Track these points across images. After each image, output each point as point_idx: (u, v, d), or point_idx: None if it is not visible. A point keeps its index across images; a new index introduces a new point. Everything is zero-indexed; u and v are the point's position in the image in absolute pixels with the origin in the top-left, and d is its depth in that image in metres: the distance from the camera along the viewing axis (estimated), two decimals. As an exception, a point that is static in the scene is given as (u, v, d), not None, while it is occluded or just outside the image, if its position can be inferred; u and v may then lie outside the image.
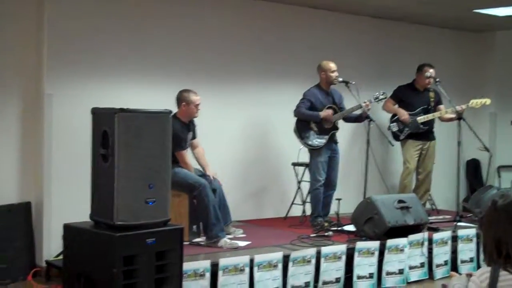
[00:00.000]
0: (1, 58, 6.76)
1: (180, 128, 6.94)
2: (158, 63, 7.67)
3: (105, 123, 5.20)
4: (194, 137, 7.28)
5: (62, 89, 6.92)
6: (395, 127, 8.91)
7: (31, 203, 6.85)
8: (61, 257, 5.91)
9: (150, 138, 5.25)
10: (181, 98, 7.04)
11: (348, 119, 8.14)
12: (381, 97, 8.10)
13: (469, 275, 3.25)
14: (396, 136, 8.94)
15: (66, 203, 6.74)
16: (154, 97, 7.34)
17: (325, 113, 7.87)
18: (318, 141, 7.88)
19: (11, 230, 6.60)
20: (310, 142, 7.90)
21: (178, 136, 6.84)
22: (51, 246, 6.72)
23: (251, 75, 8.51)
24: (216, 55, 8.18)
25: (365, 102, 7.84)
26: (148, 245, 5.18)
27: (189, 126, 7.15)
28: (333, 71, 7.91)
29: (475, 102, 8.62)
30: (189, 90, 7.06)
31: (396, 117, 8.92)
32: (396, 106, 8.99)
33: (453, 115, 8.63)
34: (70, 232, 5.48)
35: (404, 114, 8.81)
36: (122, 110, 5.14)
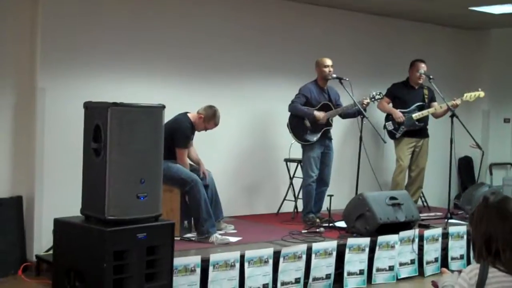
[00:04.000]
0: (-6, 51, 6.74)
1: (190, 127, 7.02)
2: (153, 58, 7.64)
3: (97, 117, 5.21)
4: None
5: (55, 84, 6.90)
6: (390, 126, 8.90)
7: (22, 197, 6.83)
8: (51, 251, 5.89)
9: (142, 132, 5.26)
10: (206, 112, 7.04)
11: (345, 115, 8.16)
12: (377, 96, 8.11)
13: (460, 272, 3.26)
14: (392, 135, 8.94)
15: (58, 197, 6.72)
16: (149, 92, 7.31)
17: (319, 113, 7.87)
18: (310, 136, 7.89)
19: (2, 225, 6.57)
20: (302, 137, 7.91)
21: (186, 135, 6.98)
22: (42, 241, 6.71)
23: (245, 71, 8.50)
24: (212, 51, 8.16)
25: (366, 100, 7.90)
26: (139, 240, 5.19)
27: (194, 130, 7.18)
28: (326, 66, 7.92)
29: (469, 96, 8.62)
30: (217, 115, 7.07)
31: (392, 115, 8.92)
32: (391, 105, 8.98)
33: (446, 108, 8.61)
34: (61, 226, 5.48)
35: (399, 116, 8.79)
36: (114, 104, 5.14)
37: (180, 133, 6.87)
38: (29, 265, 6.62)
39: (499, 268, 3.08)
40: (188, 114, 7.08)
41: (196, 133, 7.26)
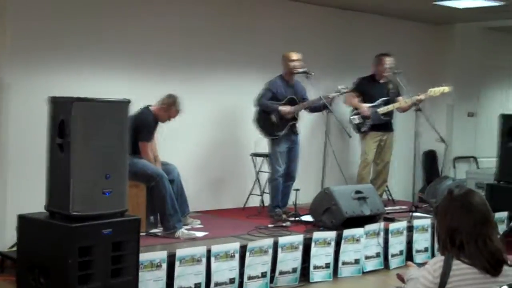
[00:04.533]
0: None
1: (152, 120, 7.00)
2: (120, 52, 7.59)
3: (62, 112, 5.15)
4: None
5: (20, 78, 6.83)
6: (356, 120, 8.93)
7: (-15, 194, 6.75)
8: (15, 248, 5.83)
9: (107, 127, 5.22)
10: (166, 102, 7.01)
11: (312, 109, 8.18)
12: (343, 91, 8.15)
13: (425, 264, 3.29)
14: (358, 128, 8.97)
15: (22, 193, 6.65)
16: (115, 87, 7.24)
17: (284, 108, 7.88)
18: (277, 131, 7.90)
19: (-35, 221, 6.49)
20: (269, 132, 7.92)
21: (149, 128, 6.96)
22: (5, 237, 6.62)
23: (212, 64, 8.47)
24: (176, 46, 8.13)
25: (332, 94, 7.94)
26: (104, 235, 5.15)
27: (157, 122, 7.14)
28: (292, 60, 7.93)
29: (433, 91, 8.66)
30: (177, 101, 7.02)
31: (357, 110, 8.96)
32: (357, 100, 8.99)
33: (411, 103, 8.67)
34: (25, 223, 5.42)
35: (365, 111, 8.83)
36: (79, 99, 5.10)
37: (142, 127, 6.83)
38: (-8, 262, 6.55)
39: (463, 261, 3.11)
40: (151, 107, 7.04)
41: (162, 127, 7.23)
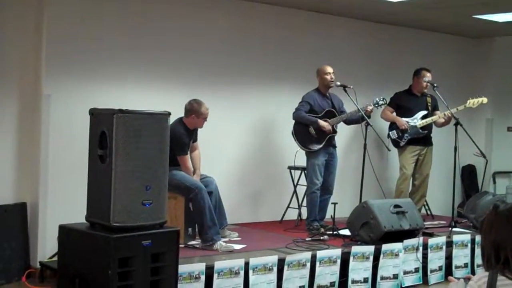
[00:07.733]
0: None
1: (185, 133, 6.99)
2: (158, 65, 7.65)
3: (103, 123, 5.20)
4: (194, 140, 7.27)
5: (61, 90, 6.90)
6: (394, 134, 8.89)
7: (26, 204, 6.81)
8: (55, 258, 5.89)
9: (148, 139, 5.25)
10: (192, 110, 7.02)
11: (349, 121, 8.18)
12: (380, 102, 8.14)
13: (468, 279, 3.24)
14: (396, 143, 8.93)
15: (62, 204, 6.72)
16: (154, 98, 7.32)
17: (323, 123, 7.87)
18: (315, 143, 7.88)
19: (6, 231, 6.56)
20: (307, 145, 7.91)
21: (183, 141, 6.93)
22: (46, 247, 6.70)
23: (250, 78, 8.50)
24: (217, 58, 8.17)
25: (370, 106, 7.94)
26: (144, 247, 5.18)
27: (192, 132, 7.16)
28: (327, 73, 7.93)
29: (472, 102, 8.63)
30: (201, 103, 7.04)
31: (395, 124, 8.91)
32: (394, 114, 8.98)
33: (448, 119, 8.64)
34: (65, 233, 5.48)
35: (403, 124, 8.79)
36: (120, 111, 5.14)
37: (176, 142, 6.73)
38: (32, 272, 6.61)
39: (508, 277, 3.06)
40: (183, 120, 7.07)
41: (200, 140, 7.25)
